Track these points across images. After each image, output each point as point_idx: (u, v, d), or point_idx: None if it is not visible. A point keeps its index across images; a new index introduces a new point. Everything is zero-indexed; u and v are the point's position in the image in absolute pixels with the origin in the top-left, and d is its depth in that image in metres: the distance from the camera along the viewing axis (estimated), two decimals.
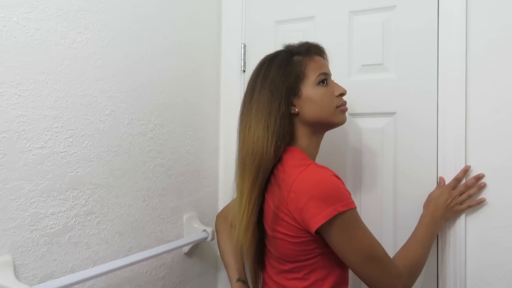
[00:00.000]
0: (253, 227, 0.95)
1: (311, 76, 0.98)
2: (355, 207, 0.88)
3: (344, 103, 1.02)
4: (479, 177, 1.09)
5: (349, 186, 1.29)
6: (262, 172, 0.93)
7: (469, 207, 1.10)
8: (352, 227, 0.87)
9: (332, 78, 1.04)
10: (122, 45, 1.08)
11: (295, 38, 1.36)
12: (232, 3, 1.48)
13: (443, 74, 1.15)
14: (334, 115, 0.99)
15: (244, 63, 1.46)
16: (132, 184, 1.11)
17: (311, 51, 1.02)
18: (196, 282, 1.36)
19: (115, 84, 1.06)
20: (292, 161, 0.93)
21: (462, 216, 1.12)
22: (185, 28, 1.32)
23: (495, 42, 1.10)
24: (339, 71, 1.30)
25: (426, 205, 1.11)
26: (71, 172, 0.94)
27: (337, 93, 1.00)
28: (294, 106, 0.97)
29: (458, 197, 1.09)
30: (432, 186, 1.16)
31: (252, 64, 1.42)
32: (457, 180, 1.10)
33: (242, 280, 1.10)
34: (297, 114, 0.97)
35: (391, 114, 1.23)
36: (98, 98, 1.01)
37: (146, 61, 1.16)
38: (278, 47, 1.39)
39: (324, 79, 0.99)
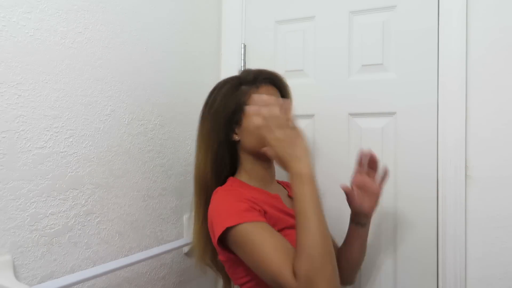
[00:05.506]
0: (204, 236, 1.00)
1: None
2: (250, 221, 0.83)
3: None
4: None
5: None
6: (204, 192, 1.00)
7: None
8: (242, 241, 0.83)
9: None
10: (122, 45, 1.08)
11: (295, 38, 1.37)
12: (232, 3, 1.48)
13: (443, 74, 1.15)
14: None
15: (244, 63, 1.46)
16: (132, 184, 1.11)
17: (258, 80, 1.00)
18: (196, 282, 1.36)
19: (115, 84, 1.06)
20: (223, 187, 0.98)
21: (462, 216, 1.12)
22: (185, 28, 1.32)
23: (496, 42, 1.10)
24: (339, 71, 1.30)
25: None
26: (71, 172, 0.94)
27: None
28: (236, 134, 1.00)
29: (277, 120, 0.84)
30: (432, 186, 1.16)
31: (252, 64, 1.43)
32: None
33: None
34: (238, 142, 1.00)
35: (391, 114, 1.23)
36: (98, 98, 1.01)
37: (146, 61, 1.16)
38: (278, 47, 1.41)
39: None
